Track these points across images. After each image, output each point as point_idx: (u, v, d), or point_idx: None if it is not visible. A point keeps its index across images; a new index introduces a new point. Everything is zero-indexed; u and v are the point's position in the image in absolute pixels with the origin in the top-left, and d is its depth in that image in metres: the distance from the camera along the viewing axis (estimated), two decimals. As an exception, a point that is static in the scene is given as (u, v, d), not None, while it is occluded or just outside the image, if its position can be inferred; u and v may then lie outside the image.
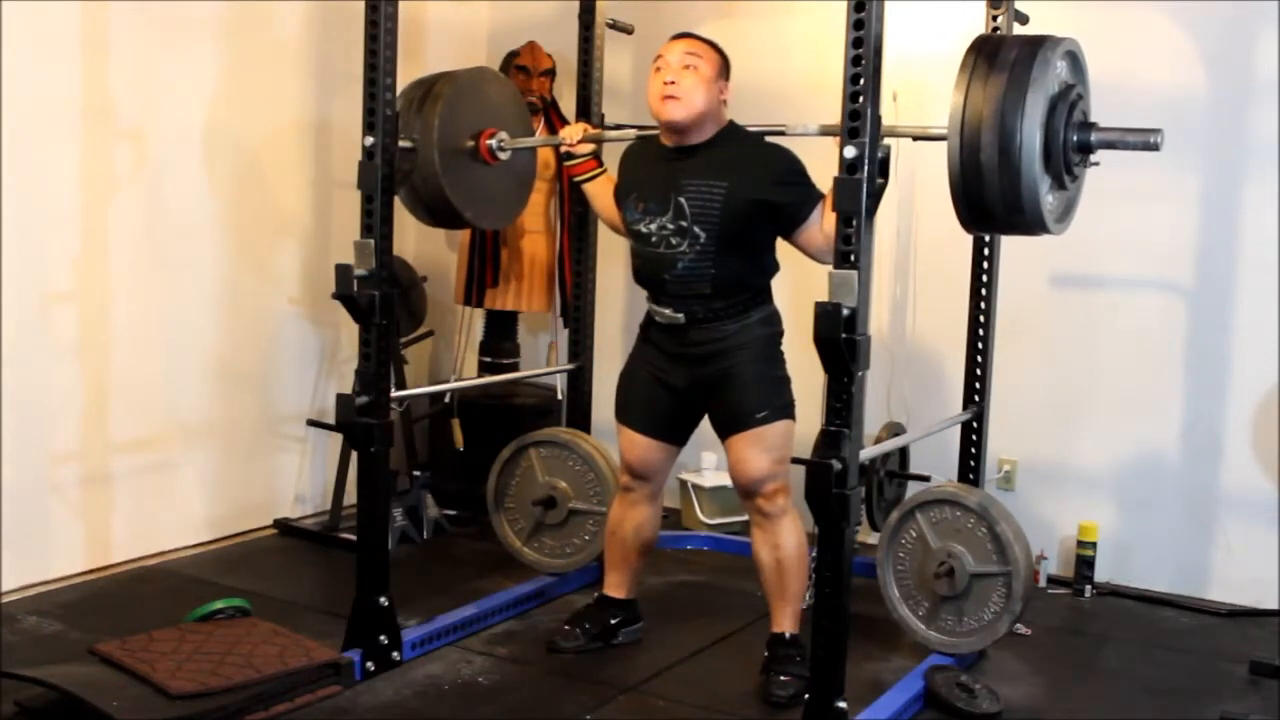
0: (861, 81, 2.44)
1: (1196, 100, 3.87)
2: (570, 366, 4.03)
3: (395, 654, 3.18)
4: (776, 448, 3.12)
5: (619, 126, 4.06)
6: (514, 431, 3.93)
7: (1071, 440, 4.12)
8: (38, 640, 3.29)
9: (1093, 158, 2.77)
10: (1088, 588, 3.97)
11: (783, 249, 3.17)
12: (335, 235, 4.48)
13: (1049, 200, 2.69)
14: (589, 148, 3.45)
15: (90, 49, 3.71)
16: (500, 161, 3.51)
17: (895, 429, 3.98)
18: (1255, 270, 3.81)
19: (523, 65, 4.64)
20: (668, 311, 3.19)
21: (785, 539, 3.13)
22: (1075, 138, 2.70)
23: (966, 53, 2.70)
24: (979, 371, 3.57)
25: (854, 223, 2.46)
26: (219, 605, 3.22)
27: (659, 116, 3.12)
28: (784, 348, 3.24)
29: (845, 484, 2.51)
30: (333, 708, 2.95)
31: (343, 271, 3.05)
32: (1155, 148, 2.70)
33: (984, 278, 3.54)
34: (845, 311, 2.45)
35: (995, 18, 3.48)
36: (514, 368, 4.82)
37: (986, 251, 3.57)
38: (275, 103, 4.35)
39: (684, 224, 3.10)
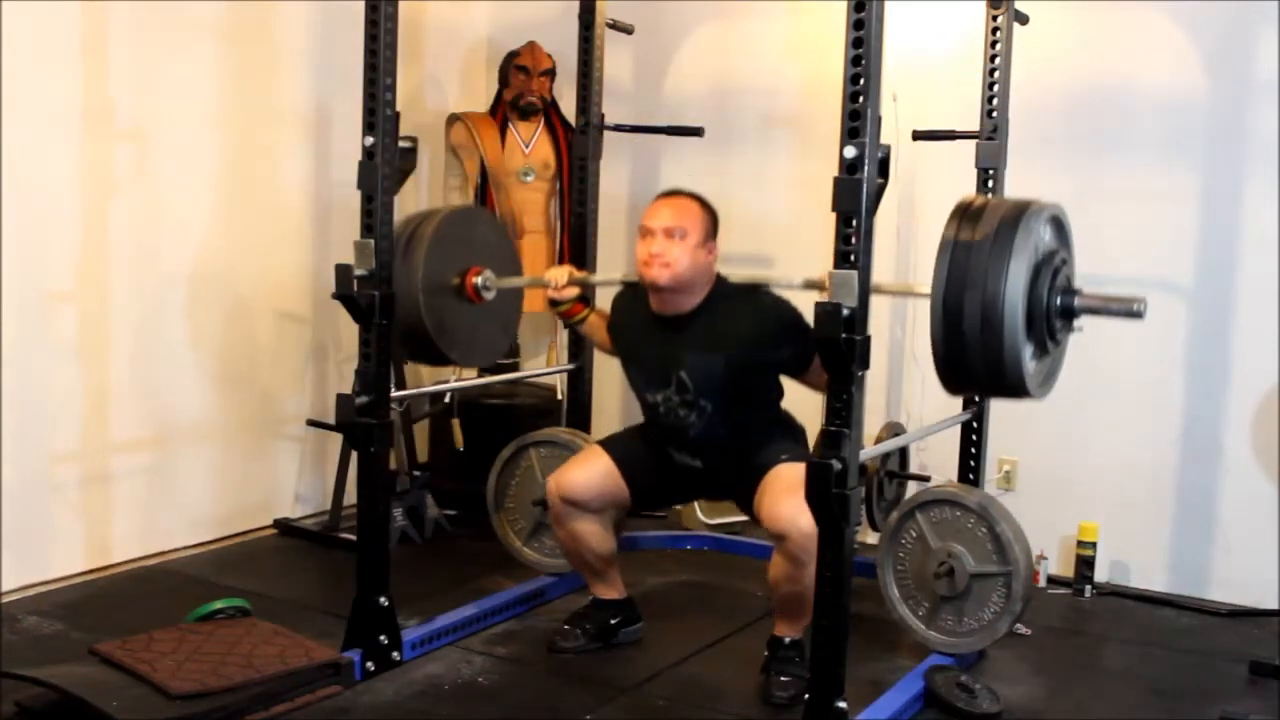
0: (861, 81, 2.44)
1: (1196, 100, 3.87)
2: (570, 366, 4.04)
3: (395, 654, 3.18)
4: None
5: (619, 127, 4.07)
6: (514, 431, 3.93)
7: (1071, 440, 4.12)
8: (38, 640, 3.29)
9: (1076, 323, 2.80)
10: (1088, 588, 3.97)
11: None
12: (335, 235, 4.48)
13: (1031, 366, 2.71)
14: (574, 292, 3.44)
15: (90, 49, 3.71)
16: (485, 301, 3.46)
17: (895, 429, 3.98)
18: (1255, 270, 3.81)
19: (523, 65, 4.64)
20: (685, 458, 3.25)
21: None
22: (1059, 303, 2.72)
23: (950, 216, 2.72)
24: (979, 371, 3.56)
25: (854, 223, 2.46)
26: (219, 605, 3.22)
27: (643, 278, 3.14)
28: None
29: (845, 484, 2.51)
30: (333, 708, 2.95)
31: (343, 271, 3.05)
32: (1139, 316, 2.72)
33: (984, 278, 3.53)
34: (845, 311, 2.45)
35: (995, 18, 3.48)
36: (514, 368, 4.82)
37: (986, 251, 3.57)
38: (275, 102, 4.34)
39: (688, 397, 3.15)
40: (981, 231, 2.64)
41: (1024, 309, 2.62)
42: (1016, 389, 2.71)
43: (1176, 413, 3.95)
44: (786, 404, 3.31)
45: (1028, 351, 2.68)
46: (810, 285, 3.06)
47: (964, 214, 2.72)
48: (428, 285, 3.25)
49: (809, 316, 3.06)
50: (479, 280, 3.41)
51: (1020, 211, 2.67)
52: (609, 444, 3.38)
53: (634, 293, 3.26)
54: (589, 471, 3.30)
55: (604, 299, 3.57)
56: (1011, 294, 2.59)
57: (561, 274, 3.42)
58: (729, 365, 3.12)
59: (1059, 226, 2.81)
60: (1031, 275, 2.64)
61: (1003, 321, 2.59)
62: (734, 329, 3.12)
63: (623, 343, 3.38)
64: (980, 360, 2.65)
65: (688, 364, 3.14)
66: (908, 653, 3.35)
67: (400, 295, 3.15)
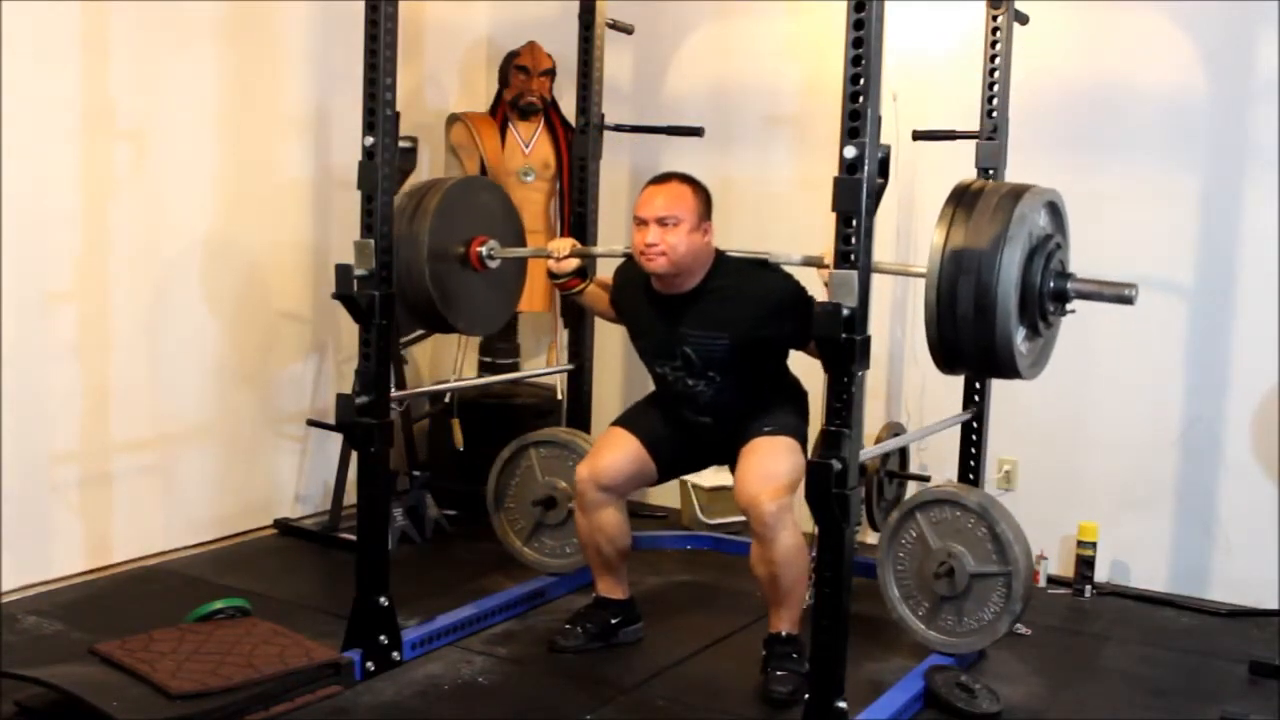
0: (861, 81, 2.44)
1: (1196, 100, 3.87)
2: (570, 366, 4.04)
3: (395, 654, 3.18)
4: (775, 457, 3.12)
5: (619, 127, 4.07)
6: (514, 431, 3.94)
7: (1071, 440, 4.12)
8: (38, 640, 3.29)
9: (1069, 306, 2.82)
10: (1088, 588, 3.97)
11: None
12: (335, 235, 4.48)
13: (1023, 348, 2.73)
14: (574, 264, 3.45)
15: (90, 49, 3.71)
16: (489, 270, 3.48)
17: (895, 429, 3.97)
18: (1255, 270, 3.80)
19: (523, 65, 4.64)
20: (696, 416, 3.29)
21: (780, 555, 3.04)
22: (1052, 286, 2.75)
23: (947, 200, 2.73)
24: (979, 371, 3.56)
25: (854, 223, 2.46)
26: (219, 605, 3.22)
27: (643, 267, 3.17)
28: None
29: (845, 484, 2.51)
30: (333, 708, 2.95)
31: (343, 271, 3.05)
32: (1129, 301, 2.76)
33: (984, 277, 3.54)
34: (845, 311, 2.45)
35: (995, 18, 3.48)
36: (514, 368, 4.82)
37: (987, 251, 3.57)
38: (275, 103, 4.35)
39: (695, 370, 3.21)
40: (977, 216, 2.65)
41: (1017, 294, 2.64)
42: (1007, 370, 2.75)
43: (1176, 413, 3.95)
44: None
45: (1020, 334, 2.70)
46: (809, 262, 3.09)
47: (961, 197, 2.73)
48: (433, 253, 3.29)
49: (811, 289, 3.11)
50: (483, 249, 3.44)
51: (1016, 197, 2.67)
52: (628, 423, 3.41)
53: (636, 265, 3.28)
54: (620, 455, 3.32)
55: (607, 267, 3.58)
56: (1005, 282, 2.61)
57: (564, 245, 3.47)
58: (732, 342, 3.17)
59: (1055, 212, 2.81)
60: (1026, 259, 2.65)
61: (995, 308, 2.63)
62: (736, 307, 3.15)
63: (628, 317, 3.42)
64: (973, 344, 2.68)
65: (691, 341, 3.19)
66: (908, 653, 3.35)
67: (405, 263, 3.17)
